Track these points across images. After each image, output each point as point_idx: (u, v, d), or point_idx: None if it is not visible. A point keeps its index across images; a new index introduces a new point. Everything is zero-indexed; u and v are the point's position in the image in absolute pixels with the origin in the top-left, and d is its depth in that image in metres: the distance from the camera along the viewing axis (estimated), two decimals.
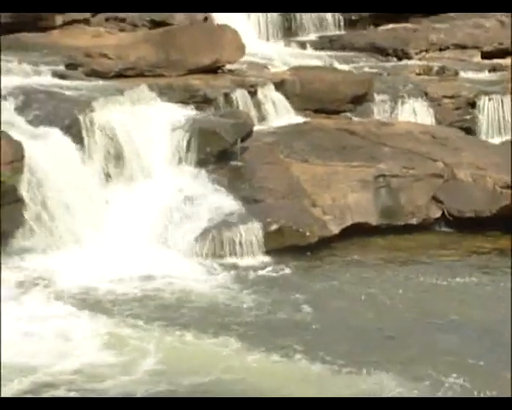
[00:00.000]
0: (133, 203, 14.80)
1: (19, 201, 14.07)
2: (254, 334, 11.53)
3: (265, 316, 12.19)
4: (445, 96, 19.18)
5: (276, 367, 10.74)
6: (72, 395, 9.83)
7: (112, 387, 10.03)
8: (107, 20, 19.93)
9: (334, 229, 15.01)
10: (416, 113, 18.57)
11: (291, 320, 12.10)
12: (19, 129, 14.63)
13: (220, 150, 15.70)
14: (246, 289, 13.05)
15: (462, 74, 20.84)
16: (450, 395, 9.81)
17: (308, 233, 14.70)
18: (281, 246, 14.46)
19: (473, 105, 19.16)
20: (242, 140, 16.01)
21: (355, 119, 18.21)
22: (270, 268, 13.90)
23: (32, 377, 10.23)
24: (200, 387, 10.06)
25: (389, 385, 10.09)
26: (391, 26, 23.53)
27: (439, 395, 9.83)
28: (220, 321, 11.94)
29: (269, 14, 22.86)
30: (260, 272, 13.74)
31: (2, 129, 14.20)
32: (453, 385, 10.06)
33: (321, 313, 12.38)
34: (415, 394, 9.81)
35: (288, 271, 13.85)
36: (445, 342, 11.39)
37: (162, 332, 11.51)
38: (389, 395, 9.83)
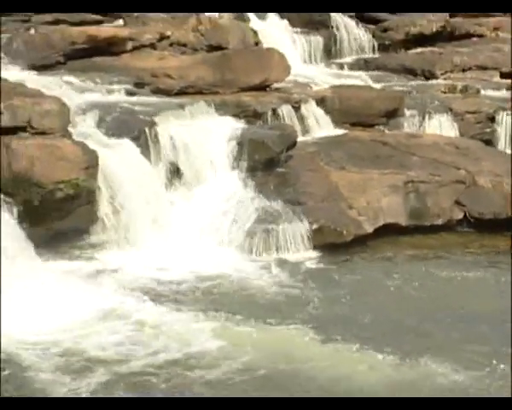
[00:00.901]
0: (193, 205, 14.95)
1: (93, 201, 14.23)
2: (310, 321, 11.56)
3: (314, 305, 12.24)
4: (468, 112, 19.07)
5: (328, 350, 10.82)
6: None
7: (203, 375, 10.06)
8: (170, 45, 20.04)
9: (368, 228, 15.02)
10: (441, 126, 18.47)
11: (335, 309, 12.16)
12: (95, 139, 14.82)
13: (268, 158, 15.75)
14: (293, 281, 13.12)
15: (483, 92, 20.71)
16: (495, 378, 9.82)
17: (345, 232, 14.73)
18: (321, 243, 14.49)
19: (492, 119, 19.02)
20: (287, 149, 16.07)
21: (387, 131, 18.16)
22: (312, 262, 14.00)
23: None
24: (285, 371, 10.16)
25: (445, 372, 10.10)
26: (419, 49, 23.54)
27: (485, 379, 9.82)
28: (279, 311, 12.00)
29: (312, 38, 22.87)
30: (304, 266, 13.81)
31: (81, 140, 14.47)
32: (496, 369, 10.10)
33: (358, 301, 12.46)
34: (463, 379, 9.81)
35: (328, 265, 13.92)
36: (471, 331, 11.40)
37: (230, 322, 11.57)
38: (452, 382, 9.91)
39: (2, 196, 13.34)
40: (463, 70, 22.66)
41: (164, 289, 12.68)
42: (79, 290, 12.32)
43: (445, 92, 20.40)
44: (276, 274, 13.46)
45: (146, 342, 10.87)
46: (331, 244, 14.55)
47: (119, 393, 9.55)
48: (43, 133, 14.43)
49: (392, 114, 18.69)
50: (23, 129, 14.42)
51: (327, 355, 10.71)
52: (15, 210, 13.30)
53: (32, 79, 16.91)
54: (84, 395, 9.51)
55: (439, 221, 15.62)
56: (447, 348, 10.76)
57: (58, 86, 17.04)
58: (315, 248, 14.46)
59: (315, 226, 14.62)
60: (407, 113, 18.69)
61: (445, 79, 21.95)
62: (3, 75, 16.40)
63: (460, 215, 15.76)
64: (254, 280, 13.20)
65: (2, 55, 18.57)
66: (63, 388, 9.68)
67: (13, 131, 14.32)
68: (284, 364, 10.35)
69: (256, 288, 12.92)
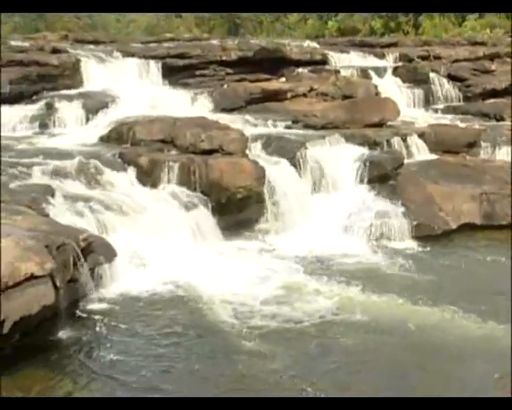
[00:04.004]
0: (329, 205, 14.59)
1: (261, 201, 14.19)
2: (409, 290, 11.10)
3: (415, 278, 11.83)
4: None
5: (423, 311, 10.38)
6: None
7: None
8: (316, 94, 19.79)
9: (453, 225, 14.48)
10: (507, 154, 17.49)
11: (426, 280, 11.69)
12: (262, 158, 14.77)
13: (383, 174, 15.30)
14: (399, 261, 12.65)
15: None
16: None
17: (436, 227, 14.27)
18: (419, 235, 13.99)
19: None
20: (397, 168, 15.60)
21: (468, 157, 17.37)
22: (412, 248, 13.50)
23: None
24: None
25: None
26: (492, 100, 22.41)
27: None
28: (386, 280, 11.64)
29: (415, 91, 22.29)
30: (407, 252, 13.30)
31: (254, 159, 14.43)
32: None
33: (443, 276, 12.00)
34: None
35: (423, 250, 13.39)
36: None
37: (352, 291, 11.17)
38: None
39: (201, 195, 13.49)
40: None
41: (306, 262, 12.36)
42: (250, 261, 12.27)
43: (510, 130, 19.34)
44: (386, 255, 12.97)
45: (293, 297, 10.71)
46: (426, 236, 14.01)
47: (271, 321, 9.67)
48: (229, 154, 14.48)
49: (472, 145, 17.85)
50: (216, 151, 14.53)
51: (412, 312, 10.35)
52: (210, 205, 13.40)
53: (224, 118, 16.98)
54: (244, 330, 9.46)
55: (504, 222, 14.83)
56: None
57: (240, 122, 17.10)
58: (414, 238, 13.93)
59: (415, 223, 14.14)
60: (483, 144, 17.81)
61: (511, 121, 20.75)
62: (207, 115, 16.70)
63: None
64: (371, 259, 12.76)
65: (206, 101, 18.81)
66: (235, 326, 9.65)
67: (210, 152, 14.46)
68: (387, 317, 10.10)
69: (372, 264, 12.49)
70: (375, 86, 20.58)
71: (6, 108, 16.63)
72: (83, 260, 9.79)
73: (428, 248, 13.45)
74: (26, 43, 21.76)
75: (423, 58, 25.26)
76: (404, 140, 16.85)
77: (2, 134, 15.87)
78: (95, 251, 10.40)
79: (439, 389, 8.12)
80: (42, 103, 17.15)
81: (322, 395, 7.93)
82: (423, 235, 13.98)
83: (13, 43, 21.82)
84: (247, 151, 14.83)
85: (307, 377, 8.39)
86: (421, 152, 16.99)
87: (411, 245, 13.64)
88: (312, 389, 8.09)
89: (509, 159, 17.02)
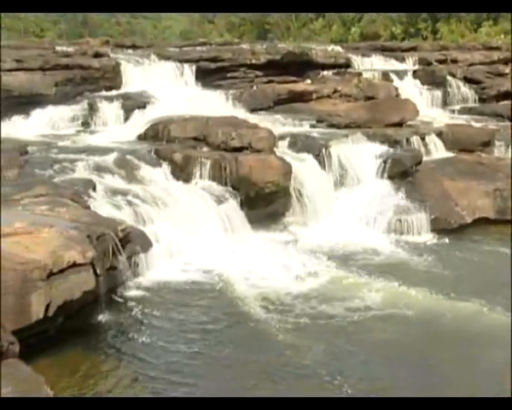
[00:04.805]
0: (351, 200, 14.44)
1: (287, 195, 14.11)
2: (437, 283, 10.85)
3: (438, 271, 11.63)
4: None
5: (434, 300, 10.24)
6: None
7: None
8: (340, 95, 19.62)
9: (468, 220, 14.29)
10: None
11: (449, 273, 11.46)
12: (289, 155, 14.67)
13: (402, 171, 15.10)
14: (416, 252, 12.52)
15: None
16: None
17: (453, 221, 14.07)
18: (436, 228, 13.80)
19: None
20: (415, 165, 15.36)
21: (483, 155, 17.07)
22: (430, 241, 13.32)
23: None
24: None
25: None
26: (506, 101, 21.90)
27: None
28: (404, 272, 11.45)
29: (434, 92, 22.00)
30: (424, 244, 13.16)
31: (281, 156, 14.30)
32: None
33: (457, 267, 11.85)
34: None
35: (440, 243, 13.23)
36: None
37: (370, 276, 11.12)
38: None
39: (231, 189, 13.43)
40: None
41: (331, 253, 12.22)
42: (277, 251, 12.18)
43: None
44: (407, 248, 12.82)
45: (320, 287, 10.61)
46: (443, 230, 13.80)
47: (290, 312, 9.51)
48: (258, 151, 14.40)
49: (487, 144, 17.54)
50: (246, 148, 14.44)
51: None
52: (239, 199, 13.36)
53: (253, 117, 16.95)
54: (274, 320, 9.28)
55: None
56: None
57: (268, 121, 16.99)
58: (432, 231, 13.73)
59: (432, 217, 13.95)
60: (497, 143, 17.52)
61: None
62: (237, 115, 16.62)
63: None
64: (392, 252, 12.61)
65: (236, 102, 18.74)
66: (263, 314, 9.54)
67: (239, 149, 14.39)
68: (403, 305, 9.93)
69: (395, 257, 12.34)
70: (396, 88, 20.37)
71: (52, 109, 16.76)
72: (121, 249, 9.80)
73: (446, 241, 13.25)
74: (71, 49, 21.87)
75: (441, 62, 25.02)
76: (423, 139, 16.62)
77: (48, 132, 16.03)
78: (132, 241, 10.42)
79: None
80: (84, 104, 17.22)
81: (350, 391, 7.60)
82: (440, 228, 13.78)
83: (58, 48, 21.95)
84: (275, 148, 14.71)
85: (341, 372, 8.06)
86: (438, 150, 16.75)
87: (429, 238, 13.44)
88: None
89: None
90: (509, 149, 17.36)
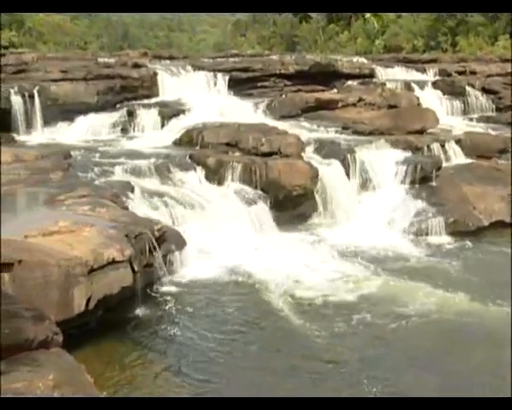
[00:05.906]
0: (374, 203, 14.28)
1: (314, 198, 14.04)
2: (464, 286, 10.60)
3: (447, 271, 11.47)
4: None
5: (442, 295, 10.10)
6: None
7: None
8: (365, 104, 19.40)
9: (485, 222, 14.08)
10: None
11: (472, 276, 11.21)
12: (316, 160, 14.60)
13: (423, 176, 14.90)
14: (435, 254, 12.35)
15: None
16: None
17: (470, 224, 13.87)
18: (454, 231, 13.60)
19: None
20: (436, 171, 15.13)
21: (499, 162, 16.81)
22: (449, 243, 13.14)
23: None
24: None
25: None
26: None
27: None
28: (424, 271, 11.28)
29: (453, 102, 21.68)
30: (444, 245, 12.98)
31: (308, 160, 14.19)
32: None
33: (472, 266, 11.69)
34: None
35: (458, 244, 13.02)
36: None
37: (391, 276, 10.96)
38: None
39: (261, 192, 13.37)
40: None
41: (355, 253, 12.07)
42: (304, 251, 12.08)
43: None
44: (428, 249, 12.66)
45: (345, 284, 10.49)
46: (461, 232, 13.59)
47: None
48: (286, 156, 14.34)
49: (503, 151, 17.35)
50: (275, 153, 14.40)
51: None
52: (268, 202, 13.30)
53: (282, 124, 16.84)
54: (302, 318, 9.16)
55: None
56: None
57: (297, 128, 16.92)
58: (450, 234, 13.52)
59: (451, 220, 13.76)
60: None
61: None
62: (267, 122, 16.56)
63: None
64: (411, 252, 12.44)
65: (266, 110, 18.68)
66: (292, 312, 9.46)
67: (269, 154, 14.36)
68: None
69: (412, 256, 12.16)
70: (417, 97, 20.12)
71: (93, 116, 16.91)
72: (157, 247, 9.80)
73: (467, 243, 13.00)
74: (112, 60, 22.06)
75: (460, 73, 24.72)
76: (443, 146, 16.41)
77: (90, 138, 16.16)
78: (167, 240, 10.42)
79: None
80: (124, 111, 17.33)
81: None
82: (458, 231, 13.56)
83: (100, 59, 22.16)
84: (303, 154, 14.62)
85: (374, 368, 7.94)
86: (457, 156, 16.53)
87: (448, 240, 13.23)
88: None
89: None
90: None
